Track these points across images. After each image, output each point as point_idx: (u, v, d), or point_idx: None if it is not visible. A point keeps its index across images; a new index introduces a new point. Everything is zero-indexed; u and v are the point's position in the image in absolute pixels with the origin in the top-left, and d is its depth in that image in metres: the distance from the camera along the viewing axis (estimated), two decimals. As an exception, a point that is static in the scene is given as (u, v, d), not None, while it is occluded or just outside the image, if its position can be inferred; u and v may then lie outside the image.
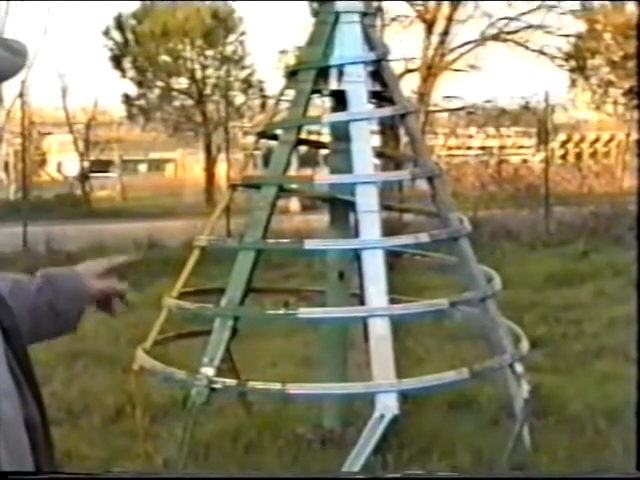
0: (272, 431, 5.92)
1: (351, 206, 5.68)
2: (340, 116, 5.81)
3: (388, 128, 8.50)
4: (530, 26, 21.87)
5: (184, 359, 6.11)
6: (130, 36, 25.77)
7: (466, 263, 5.73)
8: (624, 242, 13.56)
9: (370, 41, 5.86)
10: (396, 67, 16.44)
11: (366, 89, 5.70)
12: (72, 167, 25.63)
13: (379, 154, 6.83)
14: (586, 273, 11.93)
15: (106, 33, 25.87)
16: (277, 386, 5.18)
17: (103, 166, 27.58)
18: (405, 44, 28.05)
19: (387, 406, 4.90)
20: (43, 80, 41.35)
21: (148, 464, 5.51)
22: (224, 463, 5.56)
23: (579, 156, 27.75)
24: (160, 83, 25.78)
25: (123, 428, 6.24)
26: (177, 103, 25.98)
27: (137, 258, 2.07)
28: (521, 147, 25.55)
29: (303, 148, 10.13)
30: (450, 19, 21.08)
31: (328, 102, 6.04)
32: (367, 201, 5.37)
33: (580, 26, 24.02)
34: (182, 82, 25.90)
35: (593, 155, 27.94)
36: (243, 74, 26.29)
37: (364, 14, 5.86)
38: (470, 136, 23.24)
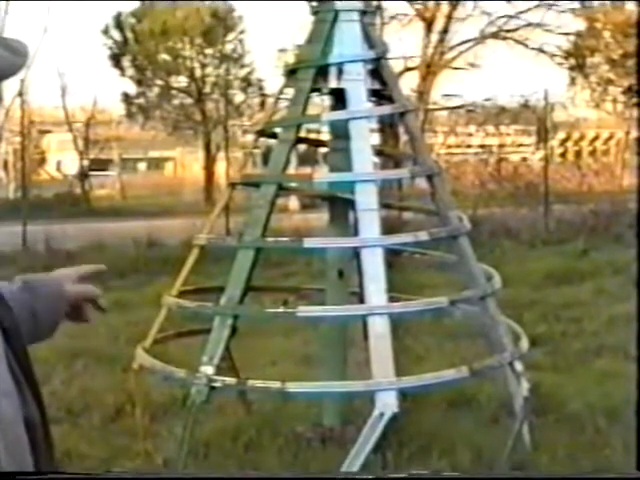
0: (272, 429, 5.92)
1: (350, 204, 5.68)
2: (339, 114, 5.81)
3: (387, 126, 8.49)
4: (529, 24, 21.85)
5: (184, 358, 6.11)
6: (129, 35, 25.77)
7: (466, 261, 5.73)
8: (624, 240, 13.56)
9: (369, 39, 5.86)
10: (395, 65, 16.43)
11: (365, 87, 5.69)
12: (71, 166, 25.64)
13: (378, 152, 6.83)
14: (586, 271, 11.94)
15: (105, 32, 25.89)
16: (277, 384, 5.18)
17: (102, 165, 27.58)
18: (404, 42, 28.03)
19: (387, 404, 4.90)
20: (42, 79, 41.37)
21: (148, 463, 5.51)
22: (224, 462, 5.56)
23: (578, 154, 27.78)
24: (159, 82, 25.78)
25: (123, 427, 6.24)
26: (176, 102, 25.99)
27: (104, 269, 2.04)
28: (521, 145, 25.57)
29: (302, 146, 10.14)
30: (449, 17, 21.06)
31: (327, 100, 6.04)
32: (366, 199, 5.37)
33: (580, 24, 24.04)
34: (181, 81, 25.91)
35: (592, 153, 27.97)
36: (242, 72, 26.31)
37: (363, 12, 5.85)
38: (470, 134, 23.25)
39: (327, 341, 6.22)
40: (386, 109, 6.02)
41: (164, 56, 25.66)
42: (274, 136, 6.06)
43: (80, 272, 2.04)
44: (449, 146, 22.57)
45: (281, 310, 5.84)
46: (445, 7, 21.16)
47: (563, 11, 22.23)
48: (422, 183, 6.48)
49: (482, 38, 21.83)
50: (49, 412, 1.69)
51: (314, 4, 6.02)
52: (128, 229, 14.89)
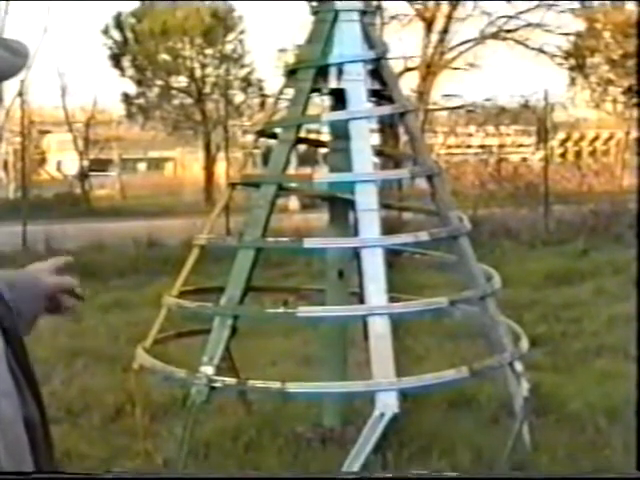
0: (272, 430, 5.92)
1: (350, 205, 5.68)
2: (339, 115, 5.81)
3: (387, 127, 8.50)
4: (529, 24, 21.85)
5: (184, 358, 6.11)
6: (129, 35, 25.78)
7: (466, 262, 5.73)
8: (624, 240, 13.57)
9: (369, 39, 5.86)
10: (395, 65, 16.42)
11: (365, 87, 5.69)
12: (71, 166, 25.64)
13: (378, 153, 6.83)
14: (586, 271, 11.94)
15: (105, 32, 25.89)
16: (277, 385, 5.18)
17: (102, 165, 27.58)
18: (404, 42, 28.03)
19: (387, 405, 4.90)
20: (42, 79, 41.35)
21: (148, 463, 5.51)
22: (224, 462, 5.56)
23: (578, 154, 27.77)
24: (159, 82, 25.79)
25: (123, 427, 6.24)
26: (176, 102, 26.00)
27: (70, 260, 2.03)
28: (521, 145, 25.55)
29: (302, 147, 10.14)
30: (449, 17, 21.06)
31: (327, 101, 6.04)
32: (366, 200, 5.37)
33: (580, 24, 24.04)
34: (181, 81, 25.92)
35: (592, 153, 27.95)
36: (242, 73, 26.31)
37: (363, 12, 5.85)
38: (470, 134, 23.24)
39: (327, 341, 6.22)
40: (386, 109, 6.02)
41: (164, 56, 25.67)
42: (274, 136, 6.06)
43: (54, 264, 2.04)
44: (449, 146, 22.56)
45: (281, 310, 5.84)
46: (445, 7, 21.16)
47: (563, 11, 22.24)
48: (422, 183, 6.48)
49: (482, 38, 21.83)
50: (49, 412, 1.69)
51: (314, 4, 6.02)
52: (128, 229, 14.89)
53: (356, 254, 5.52)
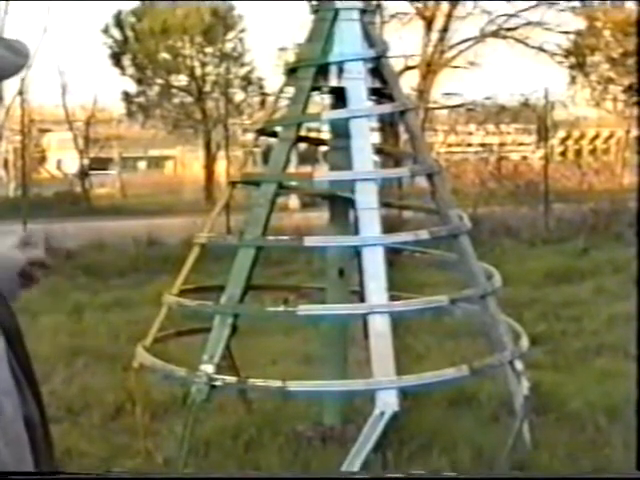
0: (272, 428, 5.92)
1: (351, 203, 5.67)
2: (340, 113, 5.81)
3: (388, 125, 8.49)
4: (529, 23, 21.84)
5: (184, 356, 6.11)
6: (130, 33, 25.77)
7: (466, 260, 5.73)
8: (624, 239, 13.56)
9: (369, 38, 5.86)
10: (395, 64, 16.40)
11: (366, 86, 5.69)
12: (72, 164, 25.61)
13: (379, 151, 6.82)
14: (586, 270, 11.94)
15: (105, 31, 25.88)
16: (277, 383, 5.18)
17: (103, 163, 27.57)
18: (404, 41, 27.95)
19: (387, 403, 4.90)
20: (43, 78, 41.28)
21: (148, 462, 5.51)
22: (224, 460, 5.56)
23: (579, 153, 27.77)
24: (159, 80, 25.77)
25: (123, 425, 6.24)
26: (176, 100, 25.98)
27: (32, 232, 2.06)
28: (521, 144, 25.56)
29: (303, 145, 10.14)
30: (449, 16, 21.05)
31: (328, 99, 6.03)
32: (367, 198, 5.37)
33: (580, 23, 24.02)
34: (182, 79, 25.90)
35: (593, 152, 27.95)
36: (243, 71, 26.29)
37: (363, 11, 5.85)
38: (470, 133, 23.23)
39: (327, 340, 6.22)
40: (386, 108, 6.02)
41: (164, 55, 25.66)
42: (274, 135, 6.06)
43: (20, 239, 2.05)
44: (449, 145, 22.54)
45: (281, 309, 5.84)
46: (445, 6, 21.15)
47: (563, 10, 22.23)
48: (422, 182, 6.48)
49: (482, 37, 21.82)
50: (50, 410, 1.70)
51: (314, 3, 6.01)
52: (128, 228, 14.89)
53: (356, 252, 5.51)
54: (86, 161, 24.04)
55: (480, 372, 5.43)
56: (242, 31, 26.44)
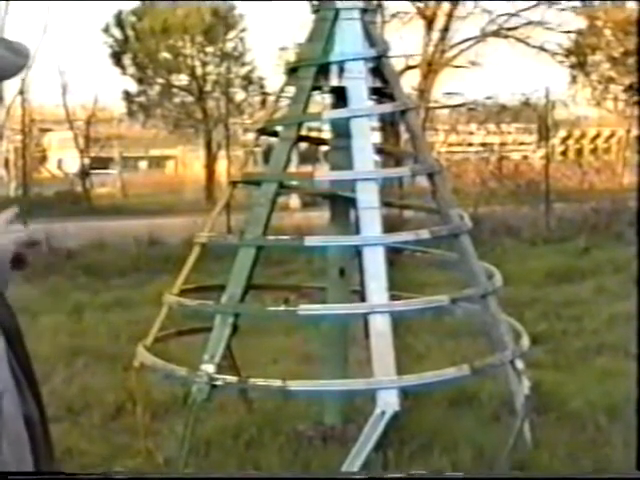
0: (273, 428, 5.92)
1: (351, 203, 5.67)
2: (340, 113, 5.80)
3: (388, 125, 8.47)
4: (530, 22, 21.85)
5: (185, 356, 6.11)
6: (130, 33, 25.78)
7: (467, 260, 5.72)
8: (625, 238, 13.56)
9: (370, 38, 5.85)
10: (396, 64, 16.40)
11: (366, 85, 5.68)
12: (72, 164, 25.62)
13: (379, 150, 6.82)
14: (587, 269, 11.94)
15: (106, 30, 25.89)
16: (278, 383, 5.18)
17: (103, 163, 27.59)
18: (405, 41, 27.96)
19: (388, 403, 4.90)
20: (43, 77, 41.31)
21: (149, 461, 5.51)
22: (225, 460, 5.56)
23: (580, 152, 27.78)
24: (160, 80, 25.78)
25: (124, 425, 6.24)
26: (177, 100, 26.00)
27: (17, 211, 2.06)
28: (522, 143, 25.58)
29: (303, 145, 10.14)
30: (450, 15, 21.06)
31: (328, 99, 6.03)
32: (367, 198, 5.36)
33: (580, 22, 24.04)
34: (182, 79, 25.91)
35: (593, 151, 27.97)
36: (243, 71, 26.31)
37: (364, 10, 5.85)
38: (471, 132, 23.23)
39: (328, 339, 6.22)
40: (387, 107, 6.01)
41: (165, 54, 25.67)
42: (275, 134, 6.05)
43: (5, 219, 2.05)
44: (450, 144, 22.54)
45: (282, 308, 5.84)
46: (446, 5, 21.16)
47: (564, 9, 22.25)
48: (423, 181, 6.47)
49: (483, 36, 21.83)
50: (50, 410, 1.70)
51: (315, 2, 6.01)
52: (129, 227, 14.89)
53: (357, 252, 5.51)
54: (87, 161, 24.06)
55: (481, 372, 5.43)
56: (243, 30, 26.47)
